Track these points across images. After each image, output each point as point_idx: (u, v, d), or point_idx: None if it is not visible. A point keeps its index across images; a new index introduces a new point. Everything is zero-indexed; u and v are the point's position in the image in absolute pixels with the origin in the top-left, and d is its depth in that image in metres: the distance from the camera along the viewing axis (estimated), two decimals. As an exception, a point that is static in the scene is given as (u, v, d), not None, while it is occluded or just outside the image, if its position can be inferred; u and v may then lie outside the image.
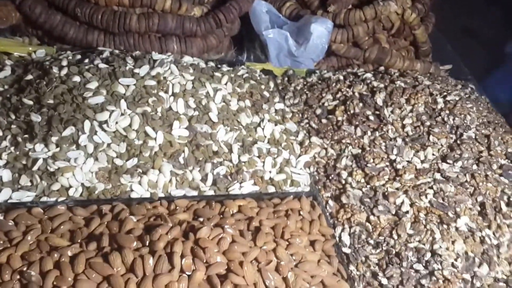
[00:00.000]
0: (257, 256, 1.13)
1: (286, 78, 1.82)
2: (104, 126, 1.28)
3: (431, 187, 1.37)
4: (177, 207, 1.25)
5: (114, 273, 1.01)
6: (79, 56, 1.52)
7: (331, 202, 1.41)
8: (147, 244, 1.08)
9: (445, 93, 1.65)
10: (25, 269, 1.01)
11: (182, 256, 1.06)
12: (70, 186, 1.21)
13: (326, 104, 1.65)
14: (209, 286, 1.05)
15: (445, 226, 1.30)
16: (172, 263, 1.04)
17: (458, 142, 1.47)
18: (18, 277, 1.01)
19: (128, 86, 1.36)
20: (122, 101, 1.32)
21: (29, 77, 1.38)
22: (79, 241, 1.09)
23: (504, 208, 1.37)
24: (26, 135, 1.26)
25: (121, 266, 1.03)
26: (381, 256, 1.29)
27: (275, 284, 1.11)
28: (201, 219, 1.19)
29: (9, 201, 1.17)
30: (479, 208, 1.36)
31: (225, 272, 1.08)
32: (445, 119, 1.54)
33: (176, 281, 1.02)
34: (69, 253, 1.05)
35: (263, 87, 1.67)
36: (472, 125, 1.54)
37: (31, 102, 1.31)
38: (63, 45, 1.63)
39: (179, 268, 1.04)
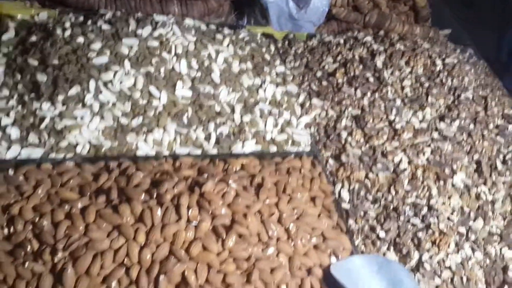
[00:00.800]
0: (260, 208, 1.18)
1: (286, 42, 1.85)
2: (109, 85, 1.31)
3: (428, 146, 1.42)
4: (182, 165, 1.29)
5: (123, 223, 1.06)
6: (81, 19, 1.53)
7: (331, 161, 1.46)
8: (154, 197, 1.12)
9: (443, 56, 1.68)
10: (37, 220, 1.07)
11: (188, 208, 1.11)
12: (77, 144, 1.25)
13: (326, 67, 1.68)
14: (215, 235, 1.10)
15: (441, 183, 1.35)
16: (179, 213, 1.09)
17: (456, 102, 1.52)
18: (30, 227, 1.06)
19: (131, 46, 1.39)
20: (126, 61, 1.35)
21: (33, 38, 1.40)
22: (88, 194, 1.14)
23: (500, 166, 1.42)
24: (32, 94, 1.29)
25: (130, 216, 1.07)
26: (379, 211, 1.35)
27: (278, 235, 1.16)
28: (206, 175, 1.24)
29: (18, 157, 1.21)
30: (475, 166, 1.41)
31: (229, 223, 1.13)
32: (443, 80, 1.58)
33: (183, 230, 1.07)
34: (79, 205, 1.10)
35: (264, 50, 1.70)
36: (469, 87, 1.58)
37: (36, 63, 1.34)
38: (65, 8, 1.65)
39: (186, 219, 1.09)
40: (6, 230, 1.05)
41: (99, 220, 1.06)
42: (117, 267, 1.01)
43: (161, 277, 1.01)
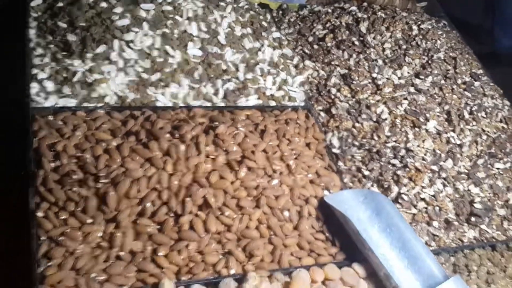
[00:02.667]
0: (265, 147, 1.38)
1: (280, 12, 2.03)
2: (131, 44, 1.48)
3: (406, 98, 1.63)
4: (195, 114, 1.48)
5: (153, 156, 1.24)
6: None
7: (322, 114, 1.66)
8: (176, 137, 1.31)
9: (419, 23, 1.89)
10: (79, 154, 1.25)
11: (206, 145, 1.30)
12: (106, 95, 1.42)
13: (317, 33, 1.87)
14: (229, 168, 1.29)
15: (417, 129, 1.57)
16: (199, 149, 1.28)
17: (429, 62, 1.73)
18: (74, 160, 1.24)
19: (148, 10, 1.55)
20: (144, 23, 1.52)
21: (60, 4, 1.56)
22: (119, 136, 1.32)
23: (467, 116, 1.64)
24: (64, 53, 1.45)
25: (159, 151, 1.26)
26: (364, 154, 1.55)
27: (280, 169, 1.37)
28: (217, 122, 1.43)
29: (55, 106, 1.38)
30: (445, 115, 1.63)
31: (240, 158, 1.32)
32: (419, 43, 1.79)
33: (203, 162, 1.26)
34: (114, 143, 1.28)
35: (261, 18, 1.88)
36: (441, 49, 1.79)
37: (65, 25, 1.49)
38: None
39: (204, 154, 1.28)
40: (53, 164, 1.23)
41: (132, 154, 1.25)
42: (151, 191, 1.20)
43: (187, 199, 1.20)
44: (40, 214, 1.14)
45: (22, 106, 1.34)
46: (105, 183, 1.19)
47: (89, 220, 1.15)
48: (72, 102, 1.39)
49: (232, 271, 1.18)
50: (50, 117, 1.34)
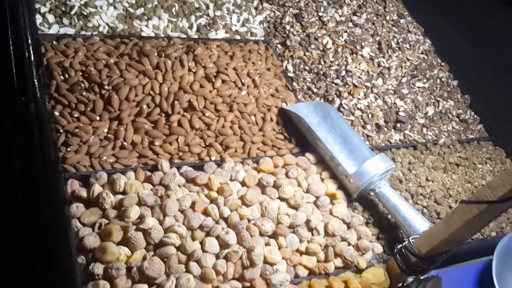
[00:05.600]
0: (235, 66, 1.61)
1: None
2: (118, -16, 1.67)
3: (345, 31, 1.90)
4: (175, 43, 1.69)
5: (146, 69, 1.46)
6: None
7: (279, 46, 1.90)
8: (163, 56, 1.53)
9: (357, -28, 2.16)
10: (84, 69, 1.45)
11: (188, 61, 1.53)
12: (99, 25, 1.61)
13: (272, -19, 2.11)
14: (207, 80, 1.53)
15: (354, 55, 1.85)
16: (182, 64, 1.50)
17: (364, 2, 2.00)
18: (80, 74, 1.44)
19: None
20: (129, -33, 1.71)
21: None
22: (115, 56, 1.52)
23: (394, 45, 1.93)
24: (61, -10, 1.63)
25: (150, 65, 1.48)
26: (313, 76, 1.82)
27: (248, 83, 1.61)
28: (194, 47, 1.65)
29: (57, 33, 1.56)
30: (377, 45, 1.92)
31: (216, 73, 1.56)
32: (356, -12, 2.07)
33: (187, 74, 1.49)
34: (112, 61, 1.49)
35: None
36: (375, -7, 2.07)
37: (60, -33, 1.66)
38: None
39: (187, 68, 1.51)
40: (62, 77, 1.43)
41: (129, 68, 1.46)
42: (146, 96, 1.42)
43: (175, 102, 1.43)
44: (57, 113, 1.34)
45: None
46: (108, 90, 1.40)
47: (97, 118, 1.37)
48: (71, 31, 1.58)
49: (213, 158, 1.44)
50: (55, 42, 1.53)
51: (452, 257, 1.51)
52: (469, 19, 2.50)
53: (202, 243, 1.18)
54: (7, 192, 1.20)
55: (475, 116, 2.03)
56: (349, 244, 1.35)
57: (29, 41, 1.42)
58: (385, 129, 1.78)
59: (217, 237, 1.19)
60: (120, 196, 1.21)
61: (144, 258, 1.11)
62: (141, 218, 1.17)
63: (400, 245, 1.30)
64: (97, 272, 1.07)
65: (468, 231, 1.18)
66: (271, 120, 1.60)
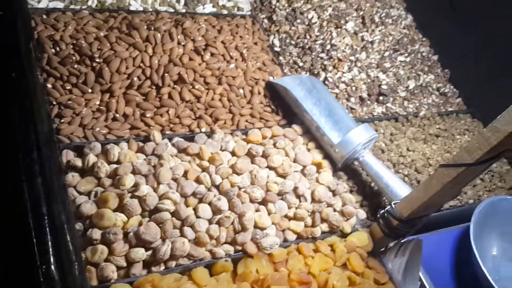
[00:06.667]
0: (223, 39, 1.63)
1: None
2: (106, -43, 1.66)
3: (330, 6, 1.92)
4: (163, 17, 1.69)
5: (136, 41, 1.47)
6: None
7: (265, 21, 1.92)
8: (152, 29, 1.54)
9: None
10: (74, 42, 1.45)
11: (177, 34, 1.54)
12: (88, -1, 1.61)
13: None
14: (196, 53, 1.54)
15: (339, 29, 1.88)
16: (172, 37, 1.51)
17: (349, -23, 2.03)
18: (71, 47, 1.44)
19: None
20: None
21: None
22: (105, 29, 1.53)
23: (377, 20, 1.96)
24: (48, -37, 1.61)
25: (139, 38, 1.48)
26: (299, 50, 1.85)
27: (236, 57, 1.63)
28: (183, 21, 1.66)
29: (47, 7, 1.55)
30: (361, 20, 1.95)
31: (204, 46, 1.57)
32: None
33: (176, 47, 1.50)
34: (102, 34, 1.49)
35: None
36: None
37: None
38: None
39: (176, 41, 1.52)
40: (53, 50, 1.43)
41: (119, 41, 1.46)
42: (136, 68, 1.43)
43: (166, 75, 1.45)
44: (49, 85, 1.35)
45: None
46: (99, 62, 1.41)
47: (89, 90, 1.38)
48: (60, 5, 1.57)
49: (203, 130, 1.46)
50: (44, 16, 1.52)
51: (432, 224, 1.59)
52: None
53: (195, 209, 1.21)
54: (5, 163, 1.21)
55: (454, 89, 2.09)
56: (335, 210, 1.40)
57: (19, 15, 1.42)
58: (368, 102, 1.82)
59: (210, 204, 1.23)
60: (114, 166, 1.23)
61: (140, 224, 1.15)
62: (136, 186, 1.20)
63: (383, 210, 1.36)
64: (95, 237, 1.10)
65: (446, 194, 1.24)
66: (259, 93, 1.63)
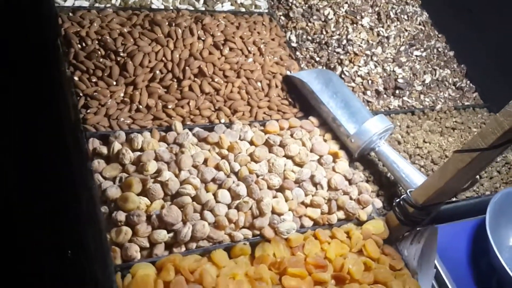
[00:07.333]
0: (241, 35, 1.67)
1: None
2: (129, -42, 1.72)
3: (346, 2, 1.95)
4: (184, 14, 1.74)
5: (158, 37, 1.52)
6: None
7: (282, 18, 1.96)
8: (173, 25, 1.59)
9: None
10: (99, 37, 1.51)
11: (197, 30, 1.59)
12: (112, -2, 1.68)
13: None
14: (215, 47, 1.59)
15: (354, 25, 1.90)
16: (192, 33, 1.56)
17: (364, -25, 2.06)
18: (96, 42, 1.50)
19: None
20: None
21: None
22: (128, 26, 1.59)
23: (392, 15, 1.98)
24: (74, -36, 1.68)
25: (161, 34, 1.53)
26: (315, 46, 1.88)
27: (254, 51, 1.67)
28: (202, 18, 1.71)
29: (73, 5, 1.62)
30: (376, 16, 1.97)
31: (223, 41, 1.62)
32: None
33: (196, 41, 1.55)
34: (125, 30, 1.55)
35: None
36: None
37: None
38: None
39: (197, 36, 1.57)
40: (79, 45, 1.49)
41: (142, 36, 1.51)
42: (158, 62, 1.48)
43: (186, 68, 1.50)
44: (76, 78, 1.41)
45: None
46: (123, 57, 1.46)
47: (114, 83, 1.43)
48: (85, 4, 1.64)
49: (222, 121, 1.50)
50: (71, 14, 1.59)
51: (449, 216, 1.60)
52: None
53: (215, 195, 1.25)
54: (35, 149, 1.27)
55: (471, 84, 2.09)
56: (351, 198, 1.42)
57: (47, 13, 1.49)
58: (385, 95, 1.84)
59: (229, 189, 1.27)
60: (138, 153, 1.28)
61: (162, 207, 1.19)
62: (159, 172, 1.24)
63: (398, 198, 1.38)
64: (120, 219, 1.14)
65: (461, 180, 1.25)
66: (276, 86, 1.66)
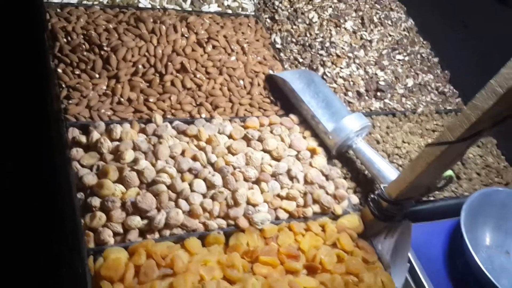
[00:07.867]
0: (225, 33, 1.71)
1: None
2: (118, -42, 1.77)
3: (330, 6, 1.99)
4: (170, 13, 1.78)
5: (142, 33, 1.55)
6: None
7: (268, 20, 2.00)
8: (158, 22, 1.62)
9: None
10: (85, 32, 1.54)
11: (181, 28, 1.62)
12: (100, -4, 1.71)
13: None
14: (198, 45, 1.62)
15: (338, 28, 1.94)
16: (176, 30, 1.59)
17: (349, -20, 2.11)
18: (81, 36, 1.53)
19: None
20: None
21: None
22: (114, 22, 1.62)
23: (376, 20, 2.02)
24: (64, -37, 1.72)
25: (146, 30, 1.57)
26: (299, 48, 1.91)
27: (237, 50, 1.70)
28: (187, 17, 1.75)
29: (61, 2, 1.66)
30: (360, 20, 2.01)
31: (207, 39, 1.65)
32: (342, -31, 2.16)
33: (180, 38, 1.58)
34: (111, 26, 1.58)
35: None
36: (359, -27, 2.17)
37: None
38: None
39: (180, 33, 1.60)
40: (65, 40, 1.52)
41: (126, 32, 1.55)
42: (141, 57, 1.51)
43: (169, 63, 1.53)
44: (59, 70, 1.44)
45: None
46: (107, 51, 1.49)
47: (97, 76, 1.46)
48: (73, 0, 1.67)
49: (203, 116, 1.53)
50: (58, 10, 1.62)
51: (427, 215, 1.62)
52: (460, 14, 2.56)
53: (190, 184, 1.27)
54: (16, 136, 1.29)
55: (454, 90, 2.12)
56: (327, 193, 1.44)
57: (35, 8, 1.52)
58: (366, 97, 1.87)
59: (204, 179, 1.29)
60: (117, 143, 1.30)
61: (138, 195, 1.20)
62: (135, 161, 1.26)
63: (373, 194, 1.40)
64: (94, 204, 1.16)
65: (432, 174, 1.27)
66: (259, 85, 1.69)
